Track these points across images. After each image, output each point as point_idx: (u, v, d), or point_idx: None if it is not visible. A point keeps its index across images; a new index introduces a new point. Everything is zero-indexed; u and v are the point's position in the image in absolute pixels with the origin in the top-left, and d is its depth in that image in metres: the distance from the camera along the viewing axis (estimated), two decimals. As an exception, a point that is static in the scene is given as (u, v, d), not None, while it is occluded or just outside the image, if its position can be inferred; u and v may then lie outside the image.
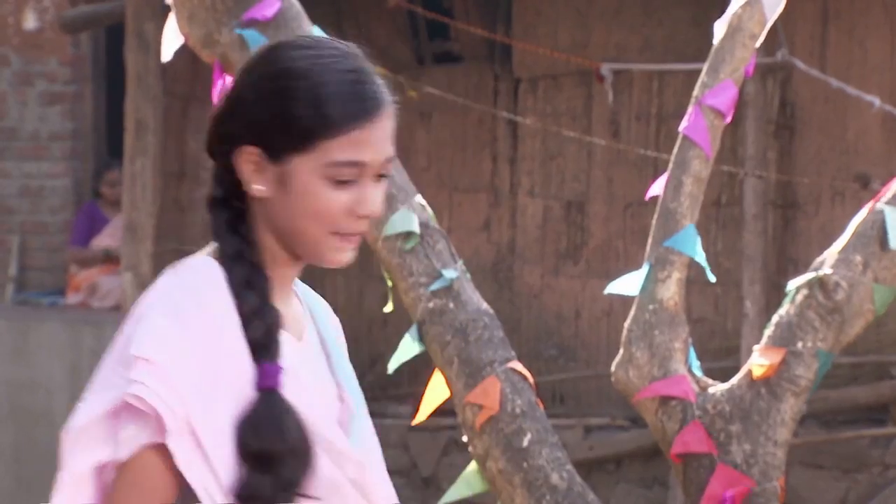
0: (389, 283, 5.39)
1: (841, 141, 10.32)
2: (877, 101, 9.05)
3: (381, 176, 2.73)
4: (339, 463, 2.74)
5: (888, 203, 5.01)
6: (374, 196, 2.71)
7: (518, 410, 5.19)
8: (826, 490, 9.96)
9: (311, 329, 2.88)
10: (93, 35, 11.94)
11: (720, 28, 5.15)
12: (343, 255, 2.79)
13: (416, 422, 5.57)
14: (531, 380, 5.30)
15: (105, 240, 11.25)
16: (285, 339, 2.72)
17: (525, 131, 11.04)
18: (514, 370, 5.23)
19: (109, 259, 11.07)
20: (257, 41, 5.01)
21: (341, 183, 2.67)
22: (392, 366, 5.35)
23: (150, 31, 9.88)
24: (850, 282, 4.98)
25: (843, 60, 10.22)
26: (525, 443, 5.16)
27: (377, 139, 2.69)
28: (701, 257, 5.16)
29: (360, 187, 2.69)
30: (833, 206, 10.25)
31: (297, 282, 2.91)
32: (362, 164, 2.67)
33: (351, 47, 2.83)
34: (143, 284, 10.11)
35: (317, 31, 5.10)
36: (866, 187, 9.45)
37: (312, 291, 3.01)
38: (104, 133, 12.07)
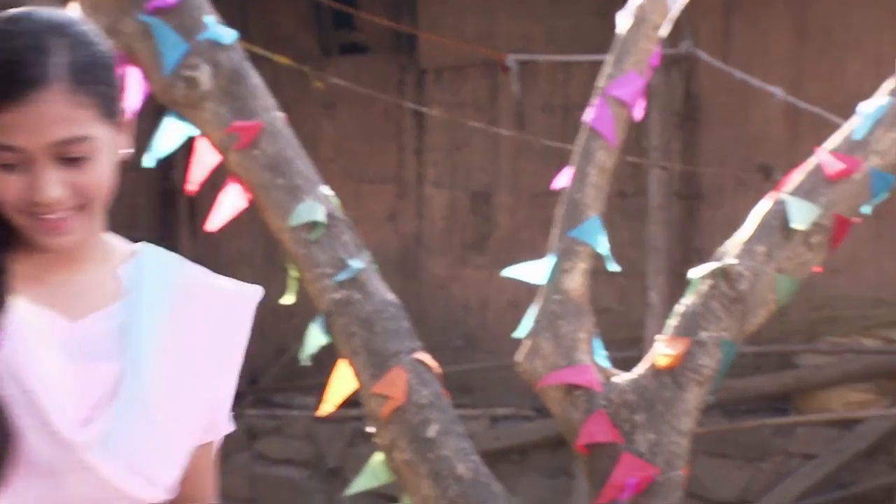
0: (294, 274, 5.38)
1: (744, 132, 10.40)
2: (779, 92, 9.12)
3: (70, 159, 2.50)
4: (60, 447, 2.61)
5: (790, 193, 5.06)
6: (44, 182, 2.48)
7: (424, 401, 5.20)
8: (729, 479, 10.04)
9: (117, 307, 2.68)
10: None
11: (624, 19, 5.17)
12: (51, 239, 2.55)
13: (322, 413, 5.57)
14: (437, 370, 5.31)
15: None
16: (41, 318, 2.58)
17: (431, 122, 11.05)
18: (420, 361, 5.24)
19: None
20: (162, 30, 4.99)
21: (6, 167, 2.48)
22: (304, 357, 5.35)
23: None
24: (754, 272, 5.03)
25: (747, 52, 10.30)
26: (431, 433, 5.17)
27: (33, 122, 2.46)
28: (604, 248, 5.19)
29: (30, 172, 2.49)
30: (736, 197, 10.33)
31: (146, 258, 2.73)
32: (17, 149, 2.47)
33: (23, 20, 2.53)
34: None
35: (211, 20, 5.10)
36: (769, 178, 9.53)
37: (180, 266, 2.78)
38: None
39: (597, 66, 5.58)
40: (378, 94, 10.29)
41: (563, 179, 5.27)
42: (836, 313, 10.21)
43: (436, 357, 5.41)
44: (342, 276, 5.27)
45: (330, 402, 5.42)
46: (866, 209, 5.11)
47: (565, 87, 10.76)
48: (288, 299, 5.57)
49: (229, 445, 10.63)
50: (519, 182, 10.83)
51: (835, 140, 5.12)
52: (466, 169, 11.08)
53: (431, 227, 11.16)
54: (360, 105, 10.93)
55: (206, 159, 5.30)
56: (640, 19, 5.16)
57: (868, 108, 5.14)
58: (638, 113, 5.27)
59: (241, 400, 10.98)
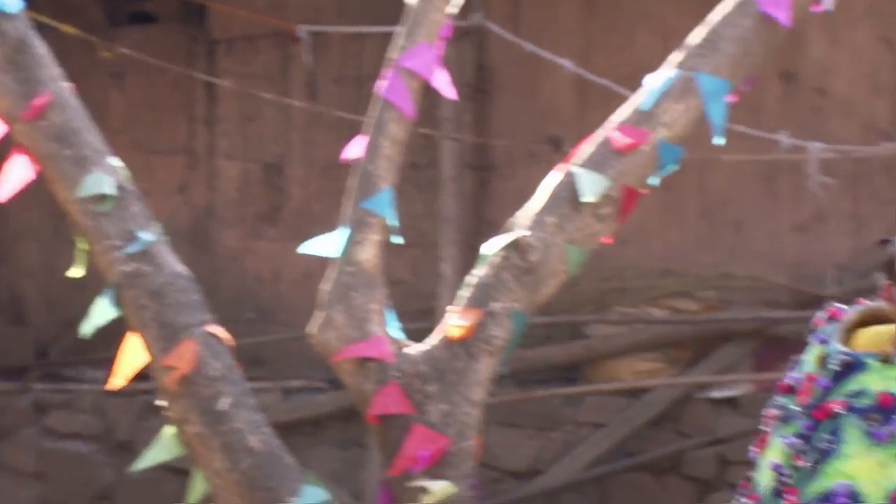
0: (83, 247, 5.31)
1: (534, 103, 10.48)
2: (568, 65, 9.20)
3: None
4: None
5: (580, 165, 5.11)
6: None
7: (215, 374, 5.18)
8: (521, 448, 10.13)
9: None
10: None
11: (417, -9, 5.18)
12: None
13: (111, 387, 5.52)
14: (229, 343, 5.29)
15: None
16: None
17: (222, 93, 10.97)
18: (211, 333, 5.21)
19: None
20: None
21: None
22: (86, 330, 5.29)
23: None
24: (544, 243, 5.08)
25: (536, 24, 10.37)
26: (223, 406, 5.15)
27: None
28: (393, 219, 5.20)
29: None
30: (527, 168, 10.40)
31: None
32: None
33: None
34: None
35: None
36: (559, 149, 9.61)
37: None
38: None
39: (389, 37, 5.58)
40: (168, 64, 10.19)
41: (354, 150, 5.27)
42: (624, 284, 10.34)
43: (228, 329, 5.39)
44: (132, 249, 5.22)
45: (120, 376, 5.38)
46: (654, 180, 5.19)
47: (358, 59, 10.74)
48: (76, 272, 5.51)
49: (16, 420, 10.47)
50: (311, 154, 10.80)
51: (623, 112, 5.18)
52: (258, 140, 11.02)
53: (223, 198, 11.08)
54: (150, 76, 10.80)
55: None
56: (431, -9, 5.16)
57: (655, 81, 5.21)
58: (444, 86, 5.28)
59: (29, 373, 10.82)
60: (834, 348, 3.63)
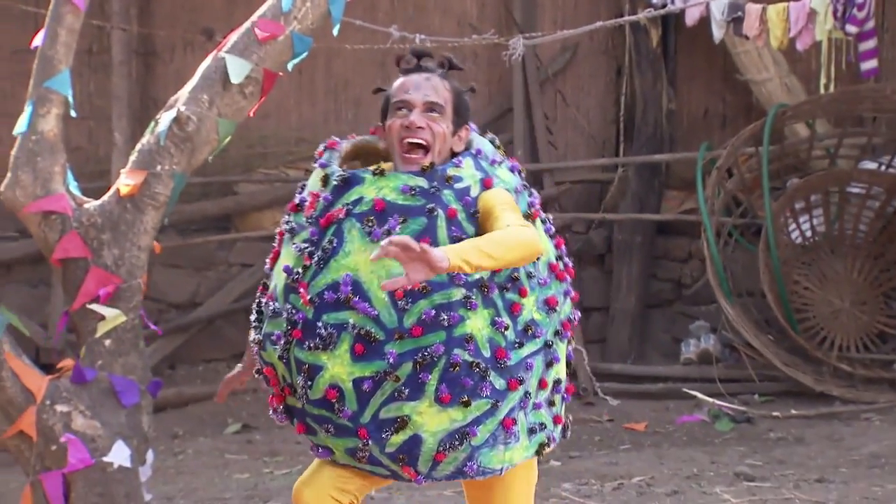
0: None
1: (190, 0, 10.32)
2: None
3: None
4: None
5: (228, 52, 5.08)
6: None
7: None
8: (182, 285, 10.09)
9: None
10: None
11: None
12: None
13: None
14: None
15: None
16: None
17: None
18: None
19: None
20: None
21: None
22: None
23: None
24: (199, 116, 5.05)
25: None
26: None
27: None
28: (71, 97, 5.09)
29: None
30: (185, 54, 10.26)
31: None
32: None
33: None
34: None
35: None
36: (211, 39, 9.49)
37: None
38: None
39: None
40: None
41: (38, 39, 5.13)
42: (266, 150, 10.33)
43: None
44: None
45: None
46: (290, 65, 5.19)
47: (38, -40, 10.38)
48: None
49: None
50: (0, 40, 10.41)
51: (264, 8, 5.16)
52: (-47, 28, 10.57)
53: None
54: None
55: None
56: None
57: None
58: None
59: None
60: (334, 169, 3.71)
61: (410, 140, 3.66)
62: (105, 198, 5.09)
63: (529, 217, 3.69)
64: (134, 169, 5.06)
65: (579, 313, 3.85)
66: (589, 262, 9.82)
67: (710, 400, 8.34)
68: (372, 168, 3.68)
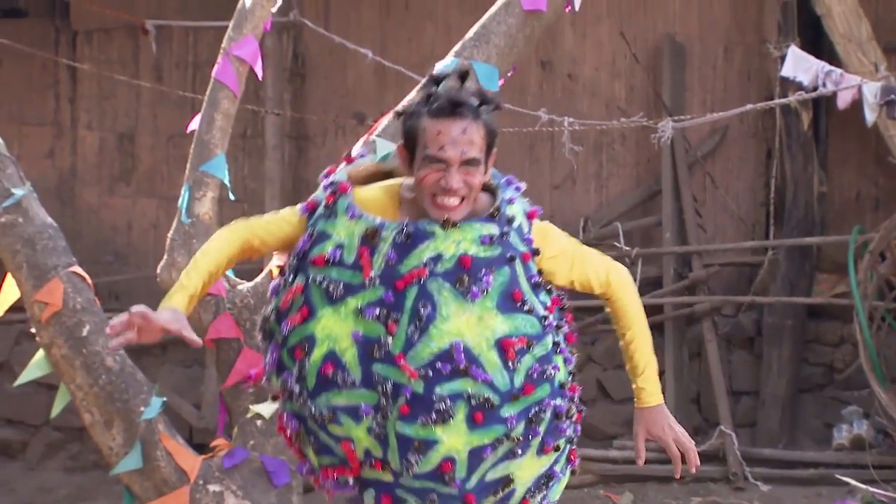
0: (-35, 202, 5.19)
1: (342, 85, 10.45)
2: (370, 54, 9.18)
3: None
4: None
5: (379, 136, 5.12)
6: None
7: (78, 306, 5.11)
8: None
9: None
10: None
11: (244, -8, 5.14)
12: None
13: (-8, 318, 5.42)
14: (90, 281, 5.21)
15: None
16: None
17: (83, 75, 10.77)
18: (75, 273, 5.14)
19: None
20: None
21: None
22: (-32, 271, 5.17)
23: None
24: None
25: (343, 21, 10.34)
26: (84, 332, 5.08)
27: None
28: (227, 180, 5.17)
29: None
30: (337, 138, 10.38)
31: None
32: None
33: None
34: None
35: None
36: (362, 123, 9.60)
37: None
38: None
39: (220, 30, 5.52)
40: (37, 51, 9.96)
41: (194, 123, 5.23)
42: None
43: (88, 270, 5.31)
44: (7, 203, 5.12)
45: (1, 307, 5.29)
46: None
47: (195, 48, 10.62)
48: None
49: None
50: (157, 125, 10.66)
51: (415, 92, 5.20)
52: (113, 114, 10.85)
53: (84, 162, 10.90)
54: (22, 61, 10.56)
55: None
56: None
57: (441, 67, 5.23)
58: (258, 69, 5.25)
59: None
60: (383, 222, 3.39)
61: (447, 203, 3.38)
62: (258, 279, 5.15)
63: None
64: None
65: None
66: (738, 345, 9.67)
67: (864, 487, 8.14)
68: (435, 220, 3.39)
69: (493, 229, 3.41)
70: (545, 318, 3.43)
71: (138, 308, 3.43)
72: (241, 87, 5.20)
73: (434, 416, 3.32)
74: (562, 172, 10.10)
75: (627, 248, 9.36)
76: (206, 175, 5.12)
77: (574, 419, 3.57)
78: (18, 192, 5.11)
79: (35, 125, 10.95)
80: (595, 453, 8.79)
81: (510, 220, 3.45)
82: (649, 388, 3.60)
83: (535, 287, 3.44)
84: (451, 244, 3.37)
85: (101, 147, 10.87)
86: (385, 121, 5.20)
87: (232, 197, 5.24)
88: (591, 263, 3.54)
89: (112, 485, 8.54)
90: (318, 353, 3.38)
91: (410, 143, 3.45)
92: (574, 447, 3.63)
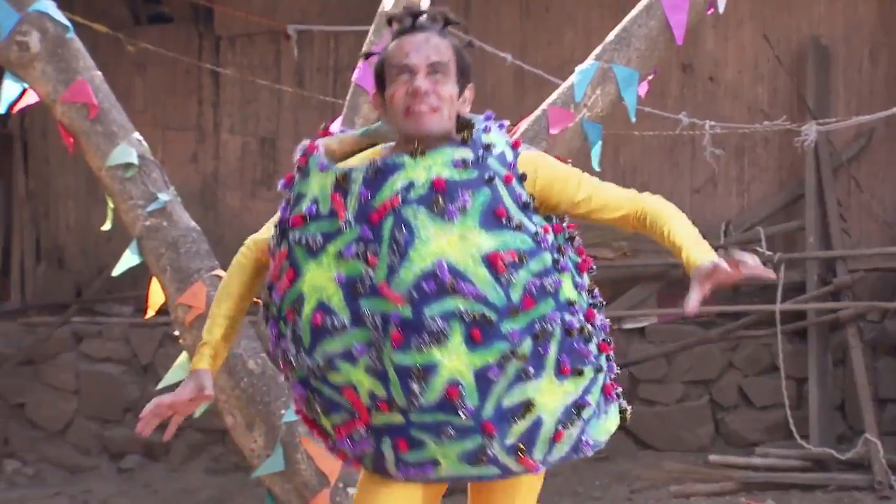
0: (111, 206, 5.29)
1: (481, 90, 10.46)
2: (509, 58, 9.18)
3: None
4: None
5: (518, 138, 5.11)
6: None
7: (221, 309, 5.15)
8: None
9: None
10: None
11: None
12: None
13: (146, 318, 5.52)
14: (232, 284, 5.26)
15: None
16: None
17: (226, 80, 10.92)
18: (217, 276, 5.20)
19: None
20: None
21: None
22: (115, 272, 5.27)
23: None
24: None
25: (482, 25, 10.35)
26: (227, 336, 5.12)
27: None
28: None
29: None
30: (475, 142, 10.40)
31: None
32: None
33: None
34: None
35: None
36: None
37: None
38: None
39: (361, 35, 5.56)
40: (181, 56, 10.13)
41: (335, 127, 5.26)
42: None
43: (231, 273, 5.37)
44: (152, 207, 5.20)
45: (150, 311, 5.38)
46: (595, 159, 5.16)
47: (336, 53, 10.71)
48: (106, 226, 5.49)
49: (59, 347, 10.40)
50: (299, 129, 10.77)
51: (554, 96, 5.18)
52: (256, 119, 10.98)
53: (227, 166, 11.05)
54: (166, 66, 10.74)
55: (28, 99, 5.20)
56: (397, -3, 5.16)
57: (581, 71, 5.21)
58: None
59: (69, 309, 10.78)
60: (352, 165, 3.31)
61: (418, 108, 3.33)
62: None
63: None
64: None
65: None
66: (884, 351, 9.49)
67: None
68: (402, 152, 3.31)
69: (466, 153, 3.31)
70: (537, 234, 3.28)
71: (161, 399, 3.47)
72: (380, 91, 5.23)
73: (427, 337, 3.17)
74: (703, 176, 10.00)
75: (770, 253, 9.25)
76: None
77: (598, 346, 3.39)
78: (163, 196, 5.19)
79: (179, 130, 11.13)
80: (737, 460, 8.69)
81: (487, 146, 3.36)
82: (701, 247, 3.35)
83: (525, 207, 3.30)
84: (422, 170, 3.26)
85: (243, 151, 11.01)
86: (524, 124, 5.19)
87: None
88: (607, 186, 3.48)
89: (253, 487, 8.64)
90: (307, 308, 3.27)
91: (380, 79, 3.41)
92: (610, 381, 3.45)
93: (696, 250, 3.31)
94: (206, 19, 11.03)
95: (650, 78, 5.36)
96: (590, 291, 3.47)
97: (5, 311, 11.12)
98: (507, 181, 3.28)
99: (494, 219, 3.24)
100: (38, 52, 5.04)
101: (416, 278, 3.17)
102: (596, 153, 5.14)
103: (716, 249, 3.48)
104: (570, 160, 5.12)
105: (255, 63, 10.89)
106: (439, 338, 3.16)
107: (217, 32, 11.00)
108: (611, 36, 5.28)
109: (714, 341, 9.39)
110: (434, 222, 3.21)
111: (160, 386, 5.47)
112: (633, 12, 5.30)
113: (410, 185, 3.24)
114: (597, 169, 5.17)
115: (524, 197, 3.30)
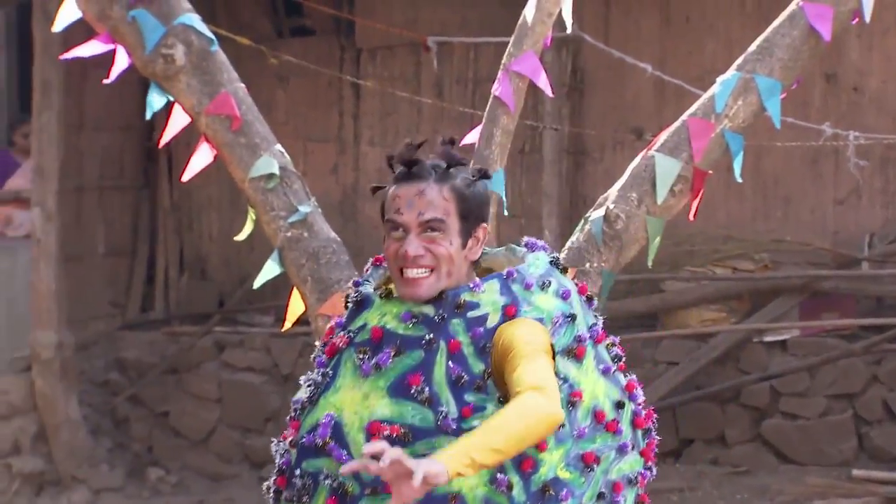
0: (253, 217, 5.35)
1: (620, 100, 10.42)
2: (649, 68, 9.14)
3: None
4: None
5: (658, 151, 5.07)
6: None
7: (361, 320, 5.18)
8: (608, 381, 10.07)
9: None
10: (5, 11, 11.65)
11: (528, 9, 5.17)
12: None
13: (284, 329, 5.58)
14: (371, 295, 5.28)
15: (17, 181, 10.95)
16: None
17: (366, 92, 11.00)
18: (357, 287, 5.21)
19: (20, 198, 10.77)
20: (143, 16, 4.94)
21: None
22: (257, 283, 5.33)
23: (53, 6, 9.66)
24: (628, 214, 5.04)
25: (622, 35, 10.31)
26: (366, 346, 5.15)
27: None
28: (503, 194, 5.21)
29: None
30: (615, 153, 10.36)
31: None
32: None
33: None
34: (49, 217, 9.92)
35: (185, 6, 5.04)
36: (640, 138, 9.56)
37: None
38: (16, 92, 11.79)
39: (501, 46, 5.56)
40: (322, 69, 10.23)
41: (472, 137, 5.27)
42: (693, 247, 10.27)
43: (370, 284, 5.40)
44: (293, 219, 5.25)
45: (289, 321, 5.42)
46: (737, 171, 5.11)
47: (475, 64, 10.74)
48: (241, 236, 5.56)
49: (201, 356, 10.58)
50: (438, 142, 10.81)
51: (695, 107, 5.14)
52: (395, 131, 11.05)
53: (366, 178, 11.13)
54: (308, 78, 10.86)
55: (179, 121, 5.26)
56: (537, 7, 5.15)
57: (722, 82, 5.16)
58: (545, 85, 5.23)
59: (211, 319, 10.94)
60: (357, 290, 3.20)
61: (409, 275, 3.07)
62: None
63: (573, 353, 3.11)
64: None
65: (654, 469, 3.23)
66: None
67: None
68: (384, 289, 3.15)
69: (425, 309, 3.04)
70: (446, 415, 2.92)
71: (392, 454, 2.67)
72: (518, 103, 5.22)
73: (293, 492, 3.06)
74: (846, 187, 9.84)
75: (916, 266, 9.07)
76: (485, 191, 5.16)
77: None
78: (304, 208, 5.24)
79: (319, 142, 11.24)
80: (882, 475, 8.54)
81: (459, 305, 3.03)
82: (455, 449, 2.71)
83: (457, 383, 2.95)
84: (377, 315, 3.10)
85: (382, 163, 11.09)
86: (664, 135, 5.16)
87: (507, 213, 5.27)
88: (519, 376, 2.85)
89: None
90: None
91: (384, 217, 3.25)
92: None
93: (457, 447, 2.71)
94: (347, 32, 11.13)
95: (793, 87, 5.29)
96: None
97: (149, 320, 11.32)
98: (451, 349, 2.99)
99: (403, 387, 2.99)
100: (182, 64, 5.11)
101: (309, 428, 3.07)
102: (738, 164, 5.07)
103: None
104: (710, 171, 5.08)
105: (395, 75, 10.96)
106: (301, 495, 3.05)
107: (358, 45, 11.10)
108: (753, 46, 5.21)
109: (858, 355, 9.23)
110: (353, 373, 3.07)
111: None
112: (776, 22, 5.23)
113: (363, 328, 3.12)
114: (739, 180, 5.12)
115: (467, 375, 2.97)
